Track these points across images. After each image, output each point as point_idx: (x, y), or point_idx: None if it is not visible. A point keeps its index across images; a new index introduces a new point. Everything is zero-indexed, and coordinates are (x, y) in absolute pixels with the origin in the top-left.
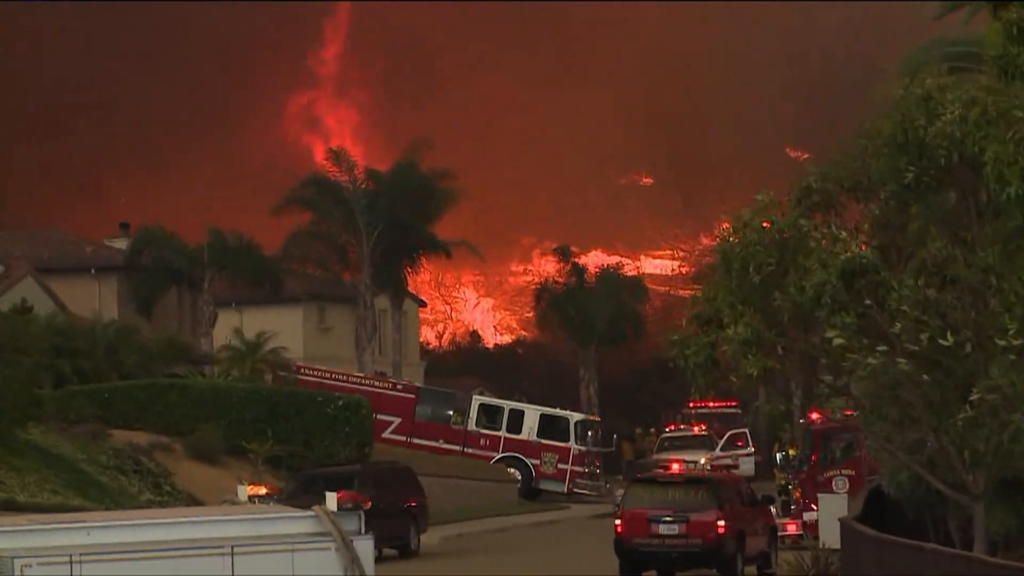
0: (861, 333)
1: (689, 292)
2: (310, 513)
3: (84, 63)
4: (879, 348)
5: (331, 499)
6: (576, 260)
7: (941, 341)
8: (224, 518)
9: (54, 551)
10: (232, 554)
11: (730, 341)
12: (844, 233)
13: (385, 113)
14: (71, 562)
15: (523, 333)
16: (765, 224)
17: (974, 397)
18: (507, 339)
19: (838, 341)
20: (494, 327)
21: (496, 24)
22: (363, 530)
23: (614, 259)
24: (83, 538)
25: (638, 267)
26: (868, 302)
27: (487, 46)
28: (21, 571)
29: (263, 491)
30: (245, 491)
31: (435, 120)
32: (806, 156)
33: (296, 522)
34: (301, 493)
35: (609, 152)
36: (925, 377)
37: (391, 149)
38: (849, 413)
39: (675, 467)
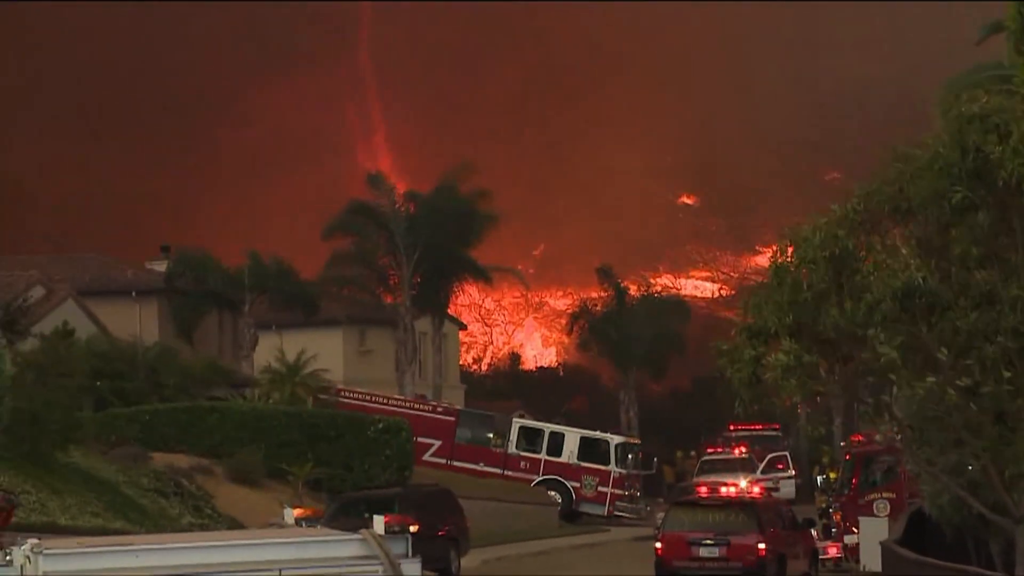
0: (911, 352)
1: (731, 313)
2: (357, 536)
3: (122, 88)
4: (927, 379)
5: (378, 522)
6: (619, 281)
7: (989, 387)
8: (272, 541)
9: (102, 573)
10: None
11: (772, 367)
12: (906, 249)
13: (427, 133)
14: None
15: (564, 356)
16: (831, 238)
17: None
18: (547, 362)
19: (888, 356)
20: (534, 350)
21: (530, 39)
22: (410, 553)
23: (658, 281)
24: (131, 561)
25: (679, 288)
26: (921, 327)
27: (525, 63)
28: None
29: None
30: (292, 514)
31: (476, 142)
32: (836, 176)
33: (344, 545)
34: (342, 516)
35: (652, 172)
36: (972, 407)
37: (434, 169)
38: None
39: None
